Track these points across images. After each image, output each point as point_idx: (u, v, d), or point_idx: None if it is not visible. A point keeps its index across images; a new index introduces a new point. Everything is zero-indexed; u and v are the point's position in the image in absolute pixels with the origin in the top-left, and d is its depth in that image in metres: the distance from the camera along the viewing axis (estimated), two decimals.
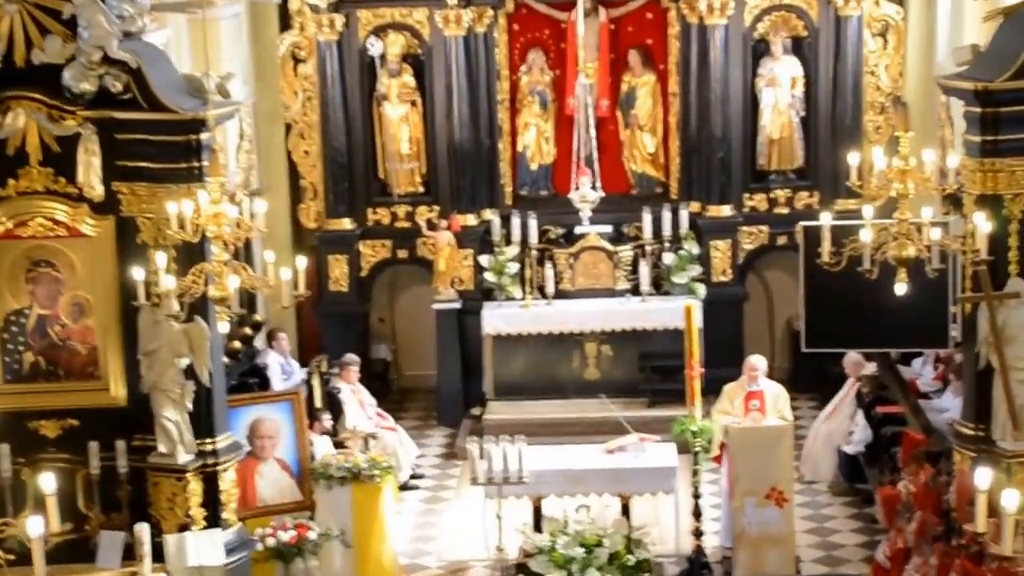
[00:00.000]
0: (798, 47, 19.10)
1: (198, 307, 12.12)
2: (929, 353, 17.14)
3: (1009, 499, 6.85)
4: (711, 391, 16.50)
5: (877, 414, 16.27)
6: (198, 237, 10.87)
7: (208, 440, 12.67)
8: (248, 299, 15.86)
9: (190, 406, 12.47)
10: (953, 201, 15.34)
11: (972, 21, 16.01)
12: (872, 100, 19.05)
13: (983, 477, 7.05)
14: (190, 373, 12.41)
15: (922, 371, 17.31)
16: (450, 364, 19.22)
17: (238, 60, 18.34)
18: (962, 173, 12.39)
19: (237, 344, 17.07)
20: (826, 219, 12.18)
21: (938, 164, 12.57)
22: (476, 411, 18.89)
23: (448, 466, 18.04)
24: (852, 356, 16.97)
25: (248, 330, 17.70)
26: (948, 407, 15.73)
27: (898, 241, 11.17)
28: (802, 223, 15.78)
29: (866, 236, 11.40)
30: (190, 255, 11.83)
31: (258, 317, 18.14)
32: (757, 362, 14.89)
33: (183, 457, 12.50)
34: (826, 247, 11.80)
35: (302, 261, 11.63)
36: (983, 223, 11.65)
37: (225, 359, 15.61)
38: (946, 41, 17.65)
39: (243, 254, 16.47)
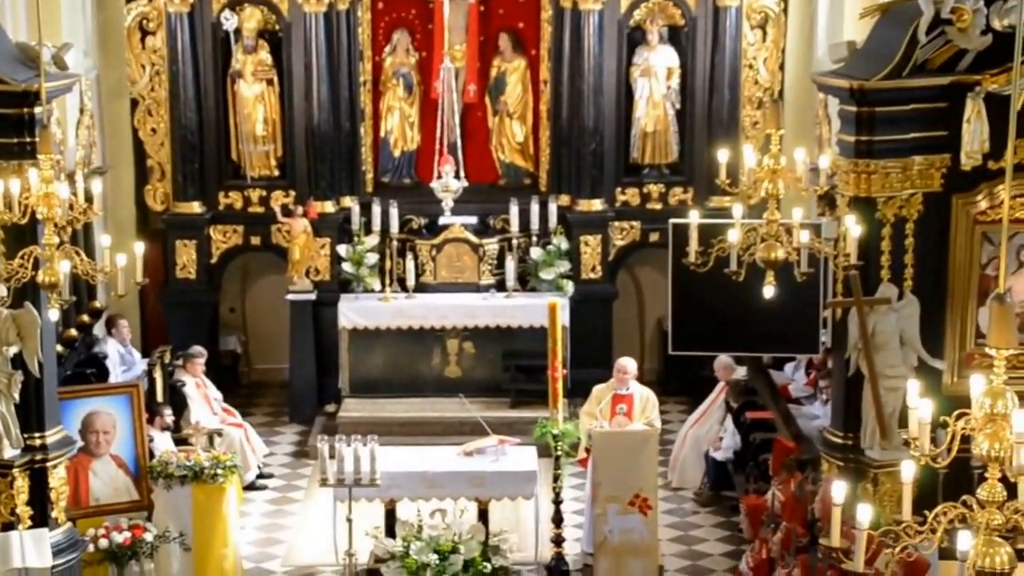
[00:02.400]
0: (675, 37, 19.22)
1: (29, 293, 11.95)
2: (801, 358, 17.33)
3: (862, 513, 6.94)
4: (579, 392, 16.64)
5: (746, 420, 16.43)
6: (27, 218, 10.69)
7: (37, 434, 12.52)
8: (88, 285, 15.63)
9: (17, 397, 12.29)
10: (827, 202, 15.57)
11: (851, 16, 16.20)
12: (750, 94, 19.23)
13: (839, 490, 7.13)
14: (19, 363, 12.21)
15: (794, 376, 17.50)
16: (304, 358, 19.11)
17: (80, 30, 18.06)
18: (836, 174, 12.56)
19: (73, 332, 16.82)
20: (694, 217, 12.26)
21: (812, 164, 12.73)
22: (330, 408, 18.83)
23: (299, 466, 17.95)
24: (723, 359, 17.14)
25: (86, 317, 17.45)
26: (819, 414, 15.95)
27: (766, 243, 11.26)
28: (672, 220, 15.88)
29: (734, 236, 11.49)
30: (19, 237, 11.65)
31: (97, 304, 17.89)
32: (627, 364, 14.94)
33: (8, 452, 12.33)
34: (693, 246, 11.89)
35: (140, 247, 11.46)
36: (854, 226, 11.81)
37: (60, 348, 15.44)
38: (825, 36, 17.86)
39: (82, 237, 16.38)
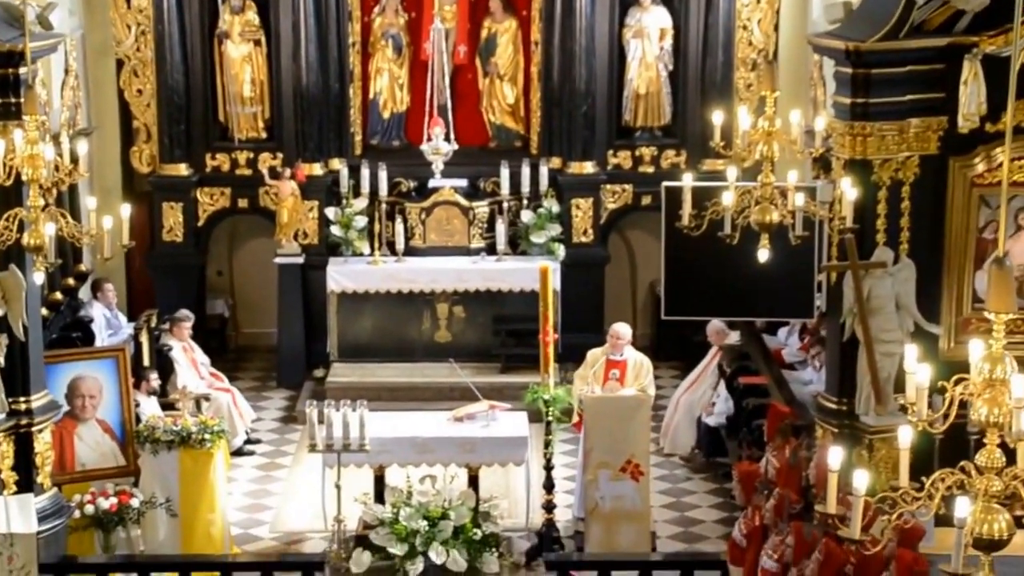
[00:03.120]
0: None
1: (13, 256, 11.93)
2: (795, 322, 17.34)
3: (859, 479, 6.93)
4: (571, 357, 16.64)
5: (739, 385, 16.44)
6: (12, 180, 10.64)
7: (22, 399, 12.52)
8: (73, 248, 15.57)
9: (2, 361, 12.31)
10: (823, 165, 15.54)
11: None
12: (744, 56, 19.15)
13: (835, 456, 7.12)
14: (3, 326, 12.18)
15: (787, 341, 17.52)
16: (292, 322, 19.10)
17: None
18: (831, 136, 12.53)
19: (59, 295, 16.79)
20: (687, 180, 12.23)
21: (807, 126, 12.70)
22: (319, 373, 18.83)
23: (287, 431, 17.95)
24: (715, 324, 17.16)
25: (72, 280, 17.41)
26: (812, 379, 15.98)
27: (760, 206, 11.24)
28: (666, 183, 15.83)
29: (728, 199, 11.47)
30: (4, 199, 11.58)
31: (83, 267, 17.85)
32: (622, 330, 14.93)
33: None
34: (686, 209, 11.87)
35: (126, 209, 11.40)
36: (850, 189, 11.79)
37: (45, 311, 15.42)
38: None
39: (68, 199, 16.34)
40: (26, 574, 11.79)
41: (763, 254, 11.41)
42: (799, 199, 11.50)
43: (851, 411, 12.80)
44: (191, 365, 17.14)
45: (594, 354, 14.91)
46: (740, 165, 12.62)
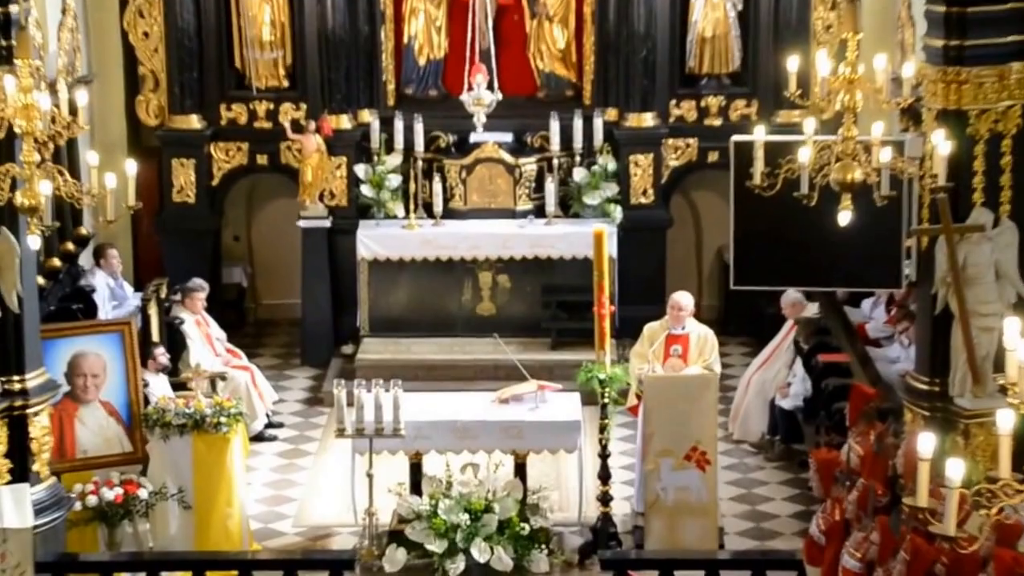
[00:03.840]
0: None
1: (6, 218, 11.98)
2: (881, 293, 17.29)
3: (953, 469, 6.87)
4: (628, 332, 16.64)
5: (818, 363, 16.39)
6: (3, 133, 10.67)
7: (16, 378, 12.55)
8: (73, 209, 15.64)
9: None
10: (912, 116, 15.44)
11: None
12: None
13: (926, 443, 7.06)
14: None
15: (872, 314, 17.49)
16: (318, 293, 19.18)
17: None
18: (921, 84, 12.42)
19: (57, 262, 16.86)
20: (758, 133, 12.16)
21: (894, 72, 12.60)
22: (348, 349, 18.95)
23: (312, 414, 18.03)
24: (791, 295, 17.13)
25: (71, 246, 17.49)
26: (900, 356, 15.94)
27: (841, 163, 11.16)
28: (735, 137, 15.76)
29: (805, 156, 11.39)
30: None
31: (84, 231, 17.93)
32: (683, 300, 14.93)
33: None
34: (758, 167, 11.81)
35: (132, 166, 11.43)
36: (942, 143, 11.69)
37: (42, 280, 15.49)
38: None
39: (66, 155, 16.39)
40: (20, 574, 11.86)
41: (844, 216, 11.32)
42: (885, 155, 11.41)
43: (944, 393, 12.73)
44: (205, 340, 17.23)
45: (652, 328, 14.90)
46: (818, 117, 12.53)
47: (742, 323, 19.43)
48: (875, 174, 11.40)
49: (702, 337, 14.84)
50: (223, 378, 16.50)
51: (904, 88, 11.87)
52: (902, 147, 13.86)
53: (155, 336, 16.60)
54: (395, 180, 18.97)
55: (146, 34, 19.29)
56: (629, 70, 19.05)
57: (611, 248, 17.63)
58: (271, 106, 19.37)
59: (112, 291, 17.70)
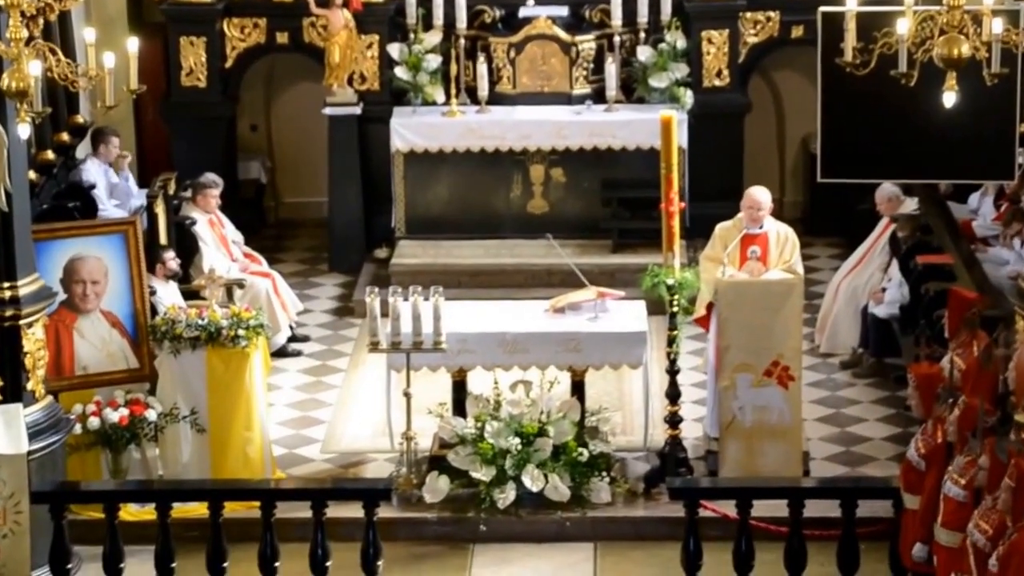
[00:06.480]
0: None
1: None
2: (989, 186, 17.21)
3: None
4: (700, 232, 16.63)
5: (917, 266, 16.35)
6: None
7: (6, 284, 12.61)
8: (67, 93, 15.66)
9: None
10: None
11: None
12: None
13: None
14: None
15: (980, 210, 17.40)
16: (347, 190, 19.25)
17: None
18: None
19: (50, 154, 16.88)
20: (851, 3, 12.04)
21: None
22: (381, 253, 19.03)
23: (342, 326, 18.12)
24: (887, 189, 17.08)
25: (66, 136, 17.51)
26: (1010, 258, 15.91)
27: (947, 35, 11.04)
28: (823, 8, 15.68)
29: (903, 28, 11.27)
30: None
31: (80, 118, 17.94)
32: (760, 196, 14.88)
33: None
34: (850, 42, 11.69)
35: (133, 44, 11.43)
36: None
37: (34, 174, 15.53)
38: None
39: (58, 31, 16.38)
40: (15, 504, 11.95)
41: (949, 98, 11.26)
42: (997, 26, 11.29)
43: None
44: (219, 243, 17.29)
45: (725, 228, 14.87)
46: None
47: (830, 222, 19.42)
48: (985, 49, 11.29)
49: (782, 236, 14.79)
50: (240, 285, 16.60)
51: None
52: (1017, 17, 13.74)
53: (163, 238, 16.66)
54: (434, 61, 18.96)
55: None
56: None
57: (680, 137, 17.63)
58: None
59: (113, 187, 17.72)
